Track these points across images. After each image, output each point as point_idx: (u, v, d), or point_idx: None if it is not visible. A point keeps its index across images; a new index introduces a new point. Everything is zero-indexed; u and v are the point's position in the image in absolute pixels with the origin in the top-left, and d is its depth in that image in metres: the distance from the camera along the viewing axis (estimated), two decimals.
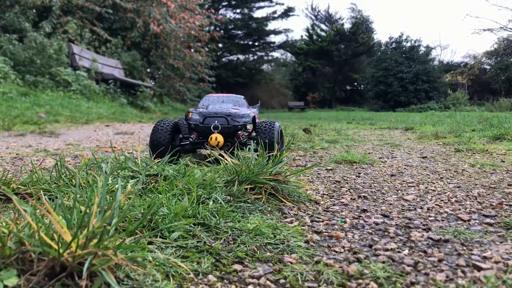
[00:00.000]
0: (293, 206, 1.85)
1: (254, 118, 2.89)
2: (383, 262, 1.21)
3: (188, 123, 2.74)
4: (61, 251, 0.85)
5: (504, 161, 3.24)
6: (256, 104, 3.65)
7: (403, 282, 1.06)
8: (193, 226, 1.34)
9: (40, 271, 0.85)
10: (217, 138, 2.49)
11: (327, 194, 2.18)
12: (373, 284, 1.05)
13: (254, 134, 2.80)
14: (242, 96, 3.28)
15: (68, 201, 1.18)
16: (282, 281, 1.06)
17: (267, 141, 2.57)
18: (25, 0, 10.54)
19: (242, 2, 26.12)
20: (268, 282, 1.04)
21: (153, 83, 14.94)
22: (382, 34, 69.96)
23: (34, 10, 11.43)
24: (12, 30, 10.24)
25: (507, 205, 1.94)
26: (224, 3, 26.01)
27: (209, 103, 3.09)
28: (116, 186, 1.56)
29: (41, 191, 1.44)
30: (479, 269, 1.16)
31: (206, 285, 0.99)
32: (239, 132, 2.72)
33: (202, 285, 0.99)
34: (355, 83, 29.43)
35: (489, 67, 23.23)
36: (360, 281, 1.07)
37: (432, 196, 2.14)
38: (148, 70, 15.58)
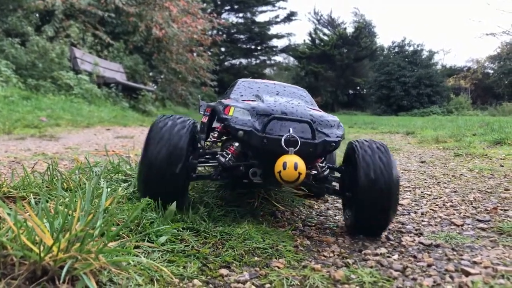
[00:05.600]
0: (286, 211, 1.85)
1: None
2: (371, 267, 1.20)
3: (228, 127, 1.45)
4: (42, 255, 0.85)
5: (503, 166, 3.22)
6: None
7: (389, 287, 1.06)
8: (181, 230, 1.34)
9: (21, 275, 0.85)
10: (296, 166, 1.29)
11: (322, 199, 2.17)
12: None
13: (342, 167, 1.63)
14: (302, 88, 2.12)
15: (52, 205, 1.18)
16: (267, 285, 1.06)
17: (378, 190, 1.37)
18: (28, 4, 10.62)
19: (244, 7, 26.24)
20: (253, 287, 1.04)
21: (155, 87, 15.00)
22: (384, 38, 70.11)
23: (36, 14, 11.52)
24: (15, 34, 10.33)
25: (502, 210, 1.92)
26: (226, 8, 26.14)
27: (255, 92, 1.86)
28: (106, 190, 1.56)
29: (31, 194, 1.44)
30: (467, 274, 1.15)
31: None
32: (319, 158, 1.53)
33: None
34: (358, 87, 29.44)
35: (492, 71, 23.17)
36: (346, 286, 1.07)
37: (427, 201, 2.13)
38: (150, 74, 15.66)
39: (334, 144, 1.45)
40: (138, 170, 1.43)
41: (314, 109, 1.67)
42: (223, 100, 1.69)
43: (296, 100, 1.71)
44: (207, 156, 1.62)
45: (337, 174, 1.68)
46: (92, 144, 5.20)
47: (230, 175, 1.49)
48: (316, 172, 1.50)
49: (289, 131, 1.39)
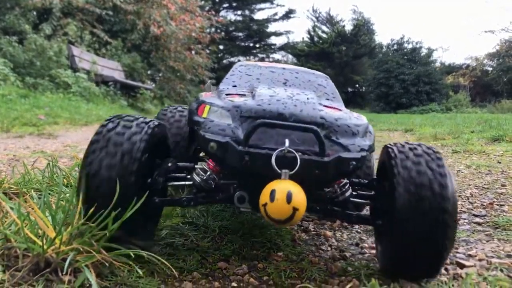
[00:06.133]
0: None
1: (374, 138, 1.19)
2: (368, 260, 1.22)
3: (197, 135, 1.09)
4: (45, 247, 0.87)
5: (500, 162, 3.25)
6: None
7: (384, 279, 1.08)
8: (181, 224, 1.36)
9: (25, 266, 0.87)
10: (290, 197, 0.88)
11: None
12: (355, 281, 1.07)
13: (374, 182, 1.21)
14: (323, 75, 1.62)
15: (53, 200, 1.20)
16: (265, 277, 1.08)
17: (427, 214, 0.95)
18: (25, 2, 10.59)
19: (243, 4, 26.22)
20: (251, 279, 1.06)
21: (153, 85, 14.99)
22: (383, 36, 70.12)
23: (34, 12, 11.48)
24: (12, 32, 10.29)
25: (498, 205, 1.95)
26: (225, 5, 26.11)
27: (253, 81, 1.44)
28: None
29: (32, 190, 1.46)
30: (462, 266, 1.17)
31: (190, 282, 1.01)
32: (332, 182, 1.11)
33: (186, 282, 1.00)
34: (357, 85, 29.48)
35: (491, 68, 23.20)
36: (343, 278, 1.09)
37: None
38: (149, 72, 15.65)
39: (354, 163, 1.00)
40: (76, 185, 1.00)
41: (331, 107, 1.22)
42: (201, 94, 1.31)
43: (306, 93, 1.23)
44: (182, 172, 1.18)
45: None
46: None
47: (209, 199, 1.11)
48: (332, 193, 1.11)
49: (285, 143, 0.95)
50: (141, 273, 0.94)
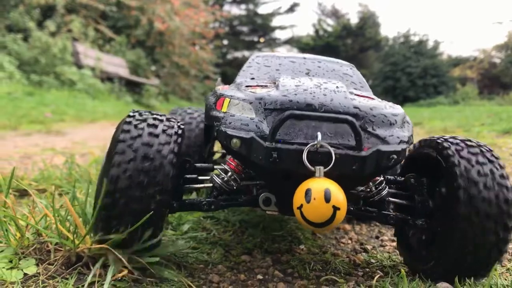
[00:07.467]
0: None
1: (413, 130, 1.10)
2: (389, 252, 1.23)
3: (218, 132, 1.00)
4: (76, 242, 0.88)
5: None
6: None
7: (408, 270, 1.08)
8: (202, 219, 1.37)
9: (57, 260, 0.88)
10: (329, 195, 0.80)
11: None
12: (379, 272, 1.07)
13: (411, 179, 1.09)
14: (348, 63, 1.52)
15: (80, 195, 1.21)
16: (290, 270, 1.09)
17: (488, 218, 0.91)
18: None
19: None
20: (276, 272, 1.07)
21: (158, 81, 15.00)
22: (389, 29, 69.54)
23: (38, 9, 11.50)
24: (17, 29, 10.32)
25: None
26: (228, 0, 25.99)
27: (273, 72, 1.34)
28: None
29: (53, 186, 1.47)
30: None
31: (216, 275, 1.02)
32: (371, 179, 1.05)
33: (212, 275, 1.01)
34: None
35: (499, 60, 22.92)
36: (367, 269, 1.10)
37: None
38: (153, 68, 15.64)
39: (395, 156, 0.91)
40: (95, 197, 0.90)
41: (363, 96, 1.11)
42: (219, 88, 1.22)
43: (334, 82, 1.10)
44: (201, 174, 1.10)
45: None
46: (100, 139, 5.24)
47: (231, 203, 1.04)
48: (367, 192, 1.03)
49: (317, 136, 0.87)
50: (170, 266, 0.95)
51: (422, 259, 1.02)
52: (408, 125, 1.02)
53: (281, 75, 1.25)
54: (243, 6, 26.26)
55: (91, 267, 0.88)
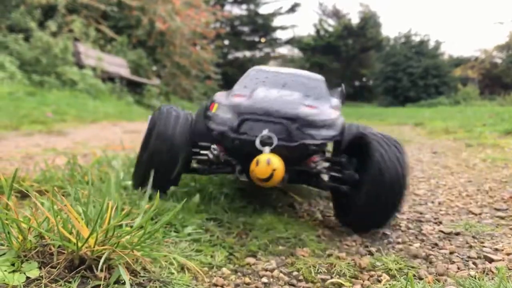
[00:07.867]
0: (304, 202, 1.86)
1: (343, 128, 1.53)
2: (395, 255, 1.21)
3: (207, 126, 1.46)
4: (79, 244, 0.87)
5: None
6: (337, 89, 1.97)
7: (415, 273, 1.07)
8: (205, 220, 1.36)
9: (60, 263, 0.87)
10: (269, 161, 1.23)
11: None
12: (385, 275, 1.06)
13: (343, 159, 1.49)
14: (320, 77, 1.85)
15: (82, 197, 1.20)
16: (295, 273, 1.07)
17: (389, 184, 1.29)
18: None
19: None
20: (281, 275, 1.06)
21: (159, 81, 14.99)
22: (390, 29, 69.43)
23: (39, 10, 11.51)
24: (18, 29, 10.32)
25: None
26: (229, 0, 25.97)
27: (258, 84, 1.66)
28: (129, 182, 1.58)
29: (55, 187, 1.46)
30: (491, 260, 1.16)
31: (221, 278, 1.01)
32: (313, 156, 1.48)
33: (217, 278, 1.00)
34: (364, 79, 29.22)
35: (501, 60, 22.84)
36: (373, 272, 1.08)
37: (443, 191, 2.14)
38: (154, 68, 15.64)
39: (314, 147, 1.36)
40: (137, 162, 1.51)
41: (309, 106, 1.47)
42: (216, 94, 1.67)
43: (293, 95, 1.51)
44: (199, 152, 1.55)
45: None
46: (101, 139, 5.23)
47: (218, 170, 1.51)
48: (311, 167, 1.45)
49: (265, 130, 1.31)
50: (172, 269, 0.94)
51: (345, 214, 1.46)
52: (334, 127, 1.44)
53: (261, 86, 1.62)
54: (244, 6, 26.24)
55: (95, 270, 0.87)
